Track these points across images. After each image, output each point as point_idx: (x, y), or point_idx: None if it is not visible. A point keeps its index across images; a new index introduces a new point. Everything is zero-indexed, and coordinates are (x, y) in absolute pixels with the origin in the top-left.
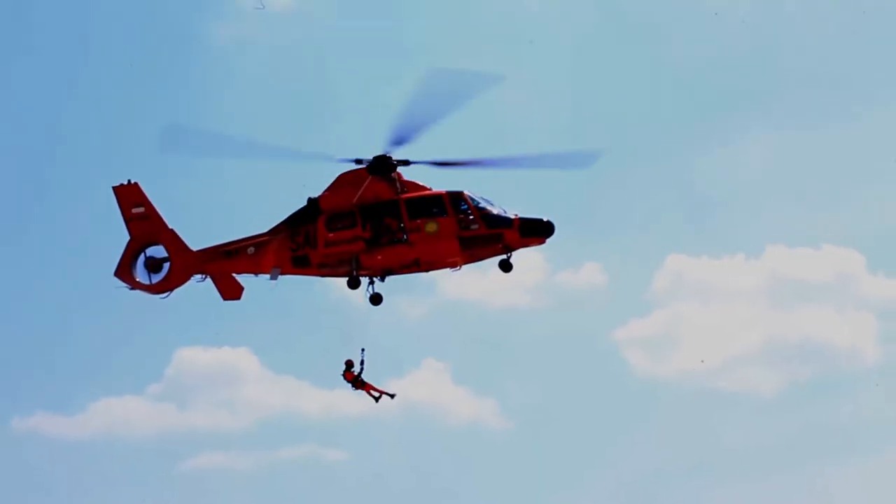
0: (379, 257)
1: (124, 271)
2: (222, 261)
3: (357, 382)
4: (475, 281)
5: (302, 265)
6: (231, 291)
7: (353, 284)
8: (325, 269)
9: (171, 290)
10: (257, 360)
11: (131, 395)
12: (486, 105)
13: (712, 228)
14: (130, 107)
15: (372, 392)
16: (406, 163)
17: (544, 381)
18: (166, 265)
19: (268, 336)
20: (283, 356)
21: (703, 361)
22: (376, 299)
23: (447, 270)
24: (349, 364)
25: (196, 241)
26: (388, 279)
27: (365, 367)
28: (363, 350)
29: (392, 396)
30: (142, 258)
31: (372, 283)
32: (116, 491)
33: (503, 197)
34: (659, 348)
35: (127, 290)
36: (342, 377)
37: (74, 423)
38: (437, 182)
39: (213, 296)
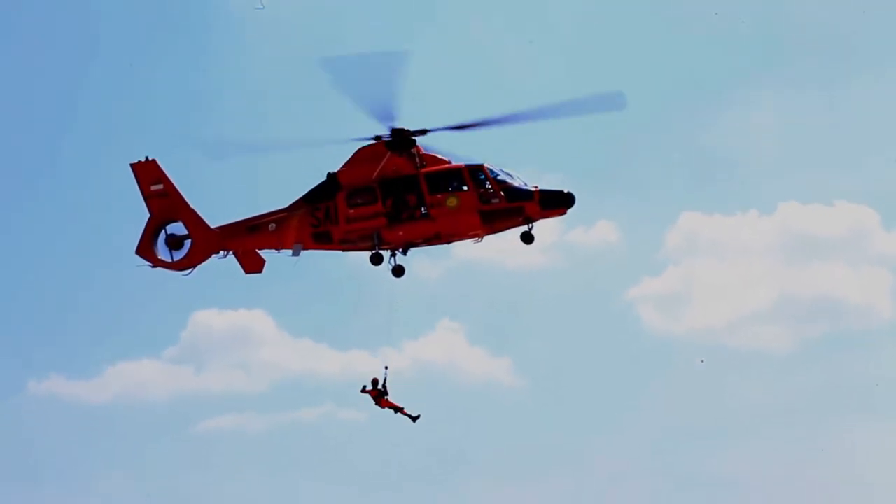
0: (400, 232)
1: (145, 249)
2: (244, 237)
3: (380, 399)
4: (489, 241)
5: (323, 241)
6: (253, 265)
7: (376, 260)
8: (347, 244)
9: (194, 266)
10: (273, 322)
11: (148, 358)
12: (498, 66)
13: (725, 186)
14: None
15: (393, 408)
16: (424, 132)
17: (558, 340)
18: (187, 242)
19: (284, 299)
20: (299, 318)
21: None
22: (399, 271)
23: (468, 242)
24: (374, 382)
25: (213, 218)
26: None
27: (388, 384)
28: (386, 368)
29: (414, 420)
30: (162, 235)
31: (393, 255)
32: (133, 453)
33: (516, 158)
34: (672, 306)
35: (149, 267)
36: (366, 392)
37: (91, 386)
38: (459, 147)
39: (228, 260)
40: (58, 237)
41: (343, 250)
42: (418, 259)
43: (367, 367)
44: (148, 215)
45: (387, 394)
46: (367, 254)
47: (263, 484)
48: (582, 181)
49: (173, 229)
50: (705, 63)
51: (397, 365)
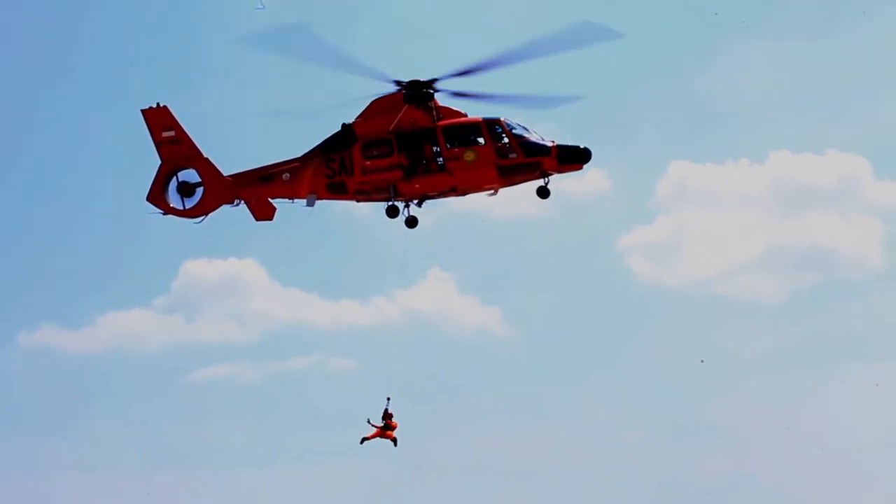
0: (416, 185)
1: (157, 196)
2: (257, 186)
3: (386, 433)
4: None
5: (338, 191)
6: (264, 213)
7: (392, 213)
8: (362, 196)
9: (206, 214)
10: (264, 272)
11: (139, 308)
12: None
13: (716, 135)
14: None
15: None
16: (434, 81)
17: (549, 289)
18: (199, 190)
19: (275, 248)
20: (290, 268)
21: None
22: (412, 222)
23: (483, 194)
24: (386, 415)
25: (223, 167)
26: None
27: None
28: (388, 399)
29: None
30: (174, 183)
31: (407, 206)
32: (125, 403)
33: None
34: (663, 255)
35: (160, 215)
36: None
37: (82, 336)
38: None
39: (223, 208)
40: (49, 187)
41: (358, 201)
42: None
43: (358, 317)
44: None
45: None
46: (361, 205)
47: (256, 433)
48: (572, 130)
49: (185, 176)
50: (698, 12)
51: (388, 314)
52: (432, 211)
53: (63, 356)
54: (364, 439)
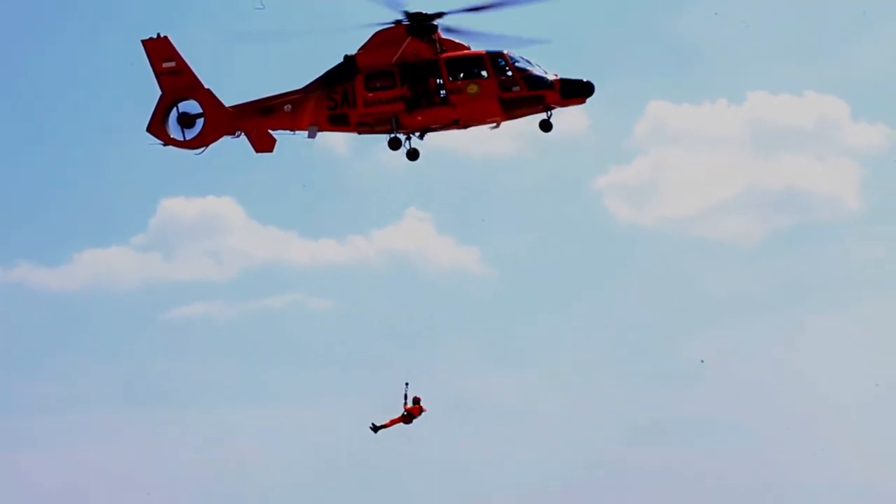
0: (419, 118)
1: (157, 127)
2: (258, 118)
3: (406, 417)
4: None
5: (340, 124)
6: (264, 145)
7: (394, 145)
8: (364, 128)
9: (206, 145)
10: (242, 210)
11: (117, 245)
12: None
13: (694, 75)
14: None
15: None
16: (440, 15)
17: (526, 229)
18: (199, 121)
19: (253, 186)
20: (268, 206)
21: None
22: (413, 154)
23: (486, 127)
24: (416, 400)
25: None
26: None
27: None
28: (407, 384)
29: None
30: (174, 114)
31: (409, 138)
32: (102, 341)
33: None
34: (640, 196)
35: (160, 146)
36: (404, 409)
37: (59, 273)
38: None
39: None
40: (29, 123)
41: (359, 133)
42: (384, 147)
43: (336, 256)
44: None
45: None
46: (338, 144)
47: (233, 371)
48: (549, 68)
49: (185, 107)
50: None
51: (365, 253)
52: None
53: (40, 293)
54: (379, 427)
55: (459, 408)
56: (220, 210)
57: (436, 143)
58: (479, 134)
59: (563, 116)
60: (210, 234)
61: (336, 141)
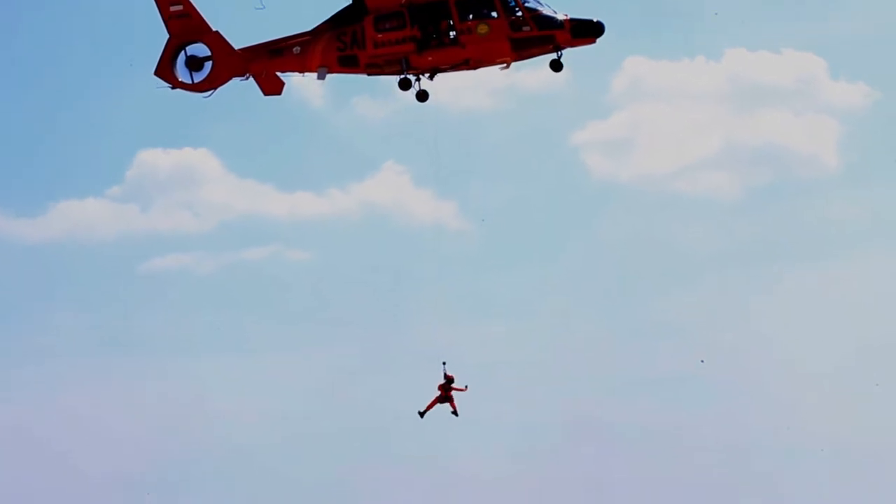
0: (429, 58)
1: (165, 70)
2: (267, 60)
3: (445, 398)
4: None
5: (349, 65)
6: (273, 87)
7: (405, 85)
8: (374, 69)
9: (215, 88)
10: (219, 162)
11: (93, 197)
12: None
13: (673, 31)
14: None
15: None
16: None
17: (504, 184)
18: (208, 64)
19: (229, 138)
20: (246, 159)
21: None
22: (423, 96)
23: (495, 68)
24: (450, 379)
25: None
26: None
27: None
28: (444, 363)
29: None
30: (182, 57)
31: (418, 79)
32: (78, 292)
33: None
34: (618, 151)
35: (168, 89)
36: (438, 389)
37: (36, 224)
38: None
39: (173, 97)
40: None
41: (369, 74)
42: (363, 100)
43: (314, 209)
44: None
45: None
46: (316, 96)
47: (211, 322)
48: None
49: (193, 50)
50: None
51: (343, 206)
52: (387, 104)
53: (16, 244)
54: (423, 412)
55: (435, 358)
56: (198, 162)
57: (412, 96)
58: (458, 86)
59: (540, 72)
60: (187, 186)
61: (313, 93)
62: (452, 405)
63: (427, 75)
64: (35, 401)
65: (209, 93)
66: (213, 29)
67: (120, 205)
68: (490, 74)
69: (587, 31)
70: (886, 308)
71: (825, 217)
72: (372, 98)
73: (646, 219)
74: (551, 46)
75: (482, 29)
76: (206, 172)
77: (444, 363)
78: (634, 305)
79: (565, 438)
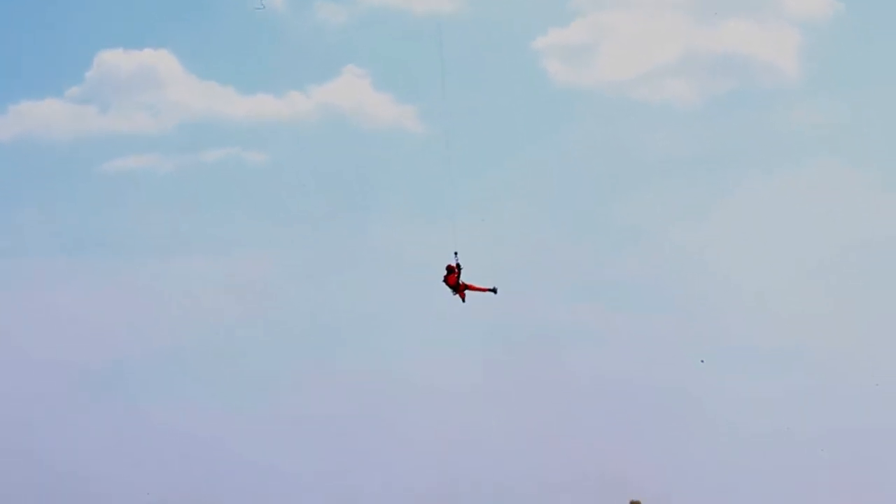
0: None
1: None
2: None
3: (459, 287)
4: None
5: None
6: None
7: None
8: None
9: None
10: (179, 63)
11: (51, 97)
12: None
13: None
14: None
15: (474, 289)
16: None
17: (464, 89)
18: None
19: (190, 39)
20: (206, 61)
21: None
22: None
23: None
24: (449, 269)
25: None
26: None
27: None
28: (456, 253)
29: (494, 291)
30: None
31: None
32: (37, 192)
33: None
34: (579, 58)
35: None
36: (444, 282)
37: None
38: None
39: None
40: None
41: None
42: (325, 4)
43: (273, 111)
44: None
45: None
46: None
47: (169, 224)
48: None
49: None
50: None
51: (303, 108)
52: (347, 8)
53: None
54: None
55: (394, 264)
56: (158, 63)
57: (376, 2)
58: None
59: None
60: (147, 87)
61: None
62: (462, 295)
63: None
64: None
65: None
66: None
67: (79, 106)
68: None
69: None
70: (842, 216)
71: (786, 126)
72: (334, 1)
73: (607, 125)
74: None
75: None
76: (167, 74)
77: (455, 253)
78: (595, 210)
79: (525, 343)
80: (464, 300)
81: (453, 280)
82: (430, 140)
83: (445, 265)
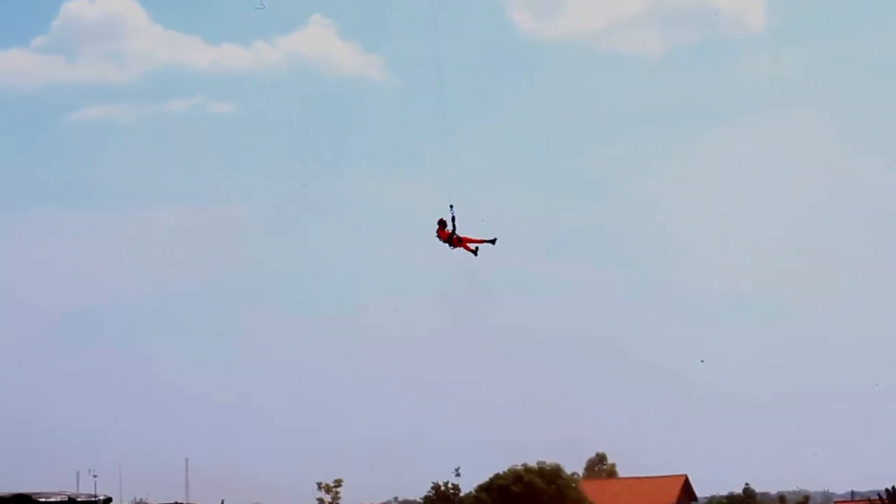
0: None
1: None
2: None
3: (453, 240)
4: None
5: None
6: None
7: None
8: None
9: None
10: (145, 13)
11: (17, 47)
12: None
13: None
14: None
15: (469, 245)
16: None
17: (429, 39)
18: None
19: None
20: (172, 11)
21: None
22: None
23: None
24: (442, 223)
25: None
26: None
27: (457, 223)
28: (451, 206)
29: (493, 242)
30: None
31: None
32: (6, 142)
33: None
34: (545, 8)
35: None
36: (436, 236)
37: None
38: None
39: None
40: None
41: None
42: None
43: (239, 61)
44: None
45: (455, 231)
46: None
47: (134, 173)
48: None
49: None
50: None
51: (269, 58)
52: None
53: None
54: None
55: (362, 215)
56: (124, 13)
57: None
58: None
59: None
60: (112, 36)
61: None
62: (466, 248)
63: None
64: None
65: None
66: None
67: (45, 55)
68: None
69: None
70: (805, 166)
71: (750, 76)
72: None
73: (572, 75)
74: None
75: None
76: (132, 23)
77: (451, 206)
78: (563, 159)
79: (491, 292)
80: (476, 253)
81: (445, 235)
82: (395, 89)
83: (438, 219)
